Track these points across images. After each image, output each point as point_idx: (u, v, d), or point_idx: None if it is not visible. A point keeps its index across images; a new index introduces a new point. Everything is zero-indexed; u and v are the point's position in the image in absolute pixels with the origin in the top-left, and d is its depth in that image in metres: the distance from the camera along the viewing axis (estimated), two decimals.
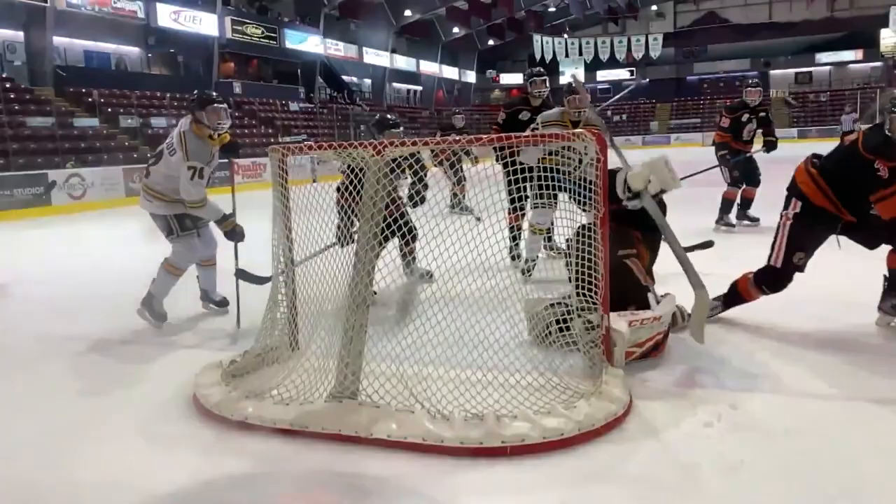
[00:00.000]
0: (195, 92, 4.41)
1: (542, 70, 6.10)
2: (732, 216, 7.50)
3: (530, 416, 2.56)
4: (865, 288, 4.42)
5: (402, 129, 4.98)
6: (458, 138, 3.11)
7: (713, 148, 7.72)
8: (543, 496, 2.24)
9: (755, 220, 7.48)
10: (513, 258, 5.12)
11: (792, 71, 41.80)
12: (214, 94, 4.47)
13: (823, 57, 40.89)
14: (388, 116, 5.23)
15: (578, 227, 3.25)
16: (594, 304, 3.03)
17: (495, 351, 2.97)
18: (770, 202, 7.46)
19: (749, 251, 6.24)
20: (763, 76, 43.79)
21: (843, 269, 5.27)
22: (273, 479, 2.43)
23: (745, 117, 7.37)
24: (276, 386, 2.96)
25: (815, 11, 41.87)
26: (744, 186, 7.44)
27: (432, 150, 3.45)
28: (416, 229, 3.74)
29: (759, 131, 7.51)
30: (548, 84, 5.91)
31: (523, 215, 5.33)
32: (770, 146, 7.51)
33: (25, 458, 2.66)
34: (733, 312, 3.93)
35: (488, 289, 3.10)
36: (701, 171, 7.25)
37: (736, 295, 3.91)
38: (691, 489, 2.24)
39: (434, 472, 2.38)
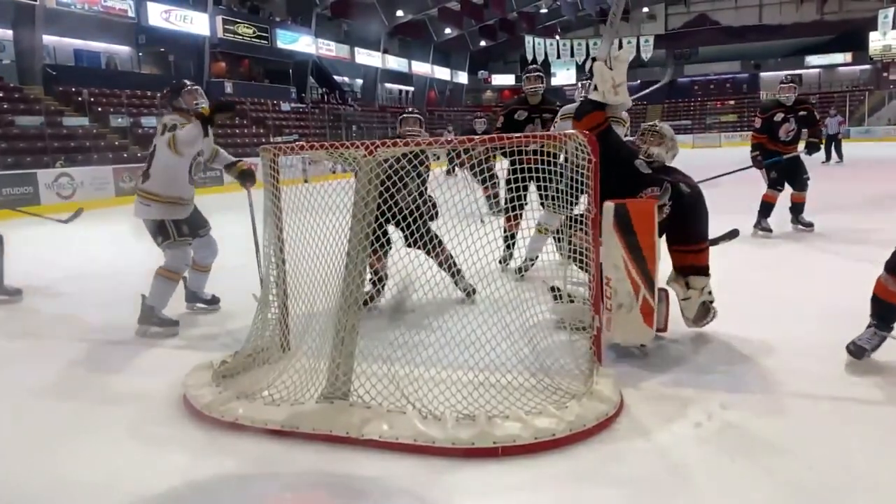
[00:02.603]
0: (172, 83, 4.44)
1: (536, 67, 6.06)
2: (771, 221, 6.97)
3: (522, 416, 2.57)
4: (858, 291, 4.45)
5: (417, 114, 4.98)
6: (449, 139, 3.11)
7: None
8: (535, 496, 2.25)
9: (809, 225, 6.98)
10: (501, 261, 5.10)
11: (782, 73, 41.82)
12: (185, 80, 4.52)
13: (813, 59, 41.17)
14: (409, 109, 5.30)
15: (572, 217, 3.24)
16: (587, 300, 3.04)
17: (487, 352, 2.96)
18: (817, 206, 7.10)
19: (791, 259, 6.05)
20: (753, 78, 44.12)
21: (838, 273, 5.33)
22: (264, 480, 2.42)
23: (778, 117, 6.78)
24: (267, 387, 2.95)
25: (804, 14, 42.22)
26: (791, 191, 6.94)
27: (458, 155, 3.42)
28: (436, 237, 3.70)
29: (805, 131, 6.88)
30: (543, 80, 5.83)
31: (518, 222, 5.31)
32: (811, 147, 6.91)
33: (15, 458, 2.65)
34: (720, 312, 3.91)
35: (480, 290, 3.10)
36: (727, 173, 7.06)
37: (885, 306, 3.20)
38: (682, 489, 2.25)
39: (425, 473, 2.38)
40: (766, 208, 6.98)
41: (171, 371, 3.41)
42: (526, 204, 5.17)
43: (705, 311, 3.65)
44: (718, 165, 7.99)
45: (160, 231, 4.31)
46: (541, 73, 5.88)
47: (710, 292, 3.62)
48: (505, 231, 5.19)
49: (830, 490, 2.21)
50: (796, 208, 7.04)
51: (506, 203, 5.05)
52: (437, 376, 2.94)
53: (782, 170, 6.85)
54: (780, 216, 7.04)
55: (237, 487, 2.39)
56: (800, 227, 7.03)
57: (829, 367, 3.20)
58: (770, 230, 6.92)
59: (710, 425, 2.65)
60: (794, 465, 2.35)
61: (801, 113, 6.79)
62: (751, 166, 6.99)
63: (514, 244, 5.22)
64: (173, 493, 2.34)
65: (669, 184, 3.51)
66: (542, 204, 4.21)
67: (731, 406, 2.81)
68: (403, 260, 3.37)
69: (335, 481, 2.39)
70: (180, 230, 4.33)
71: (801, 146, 6.96)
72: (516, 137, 3.25)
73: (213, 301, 4.79)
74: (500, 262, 5.05)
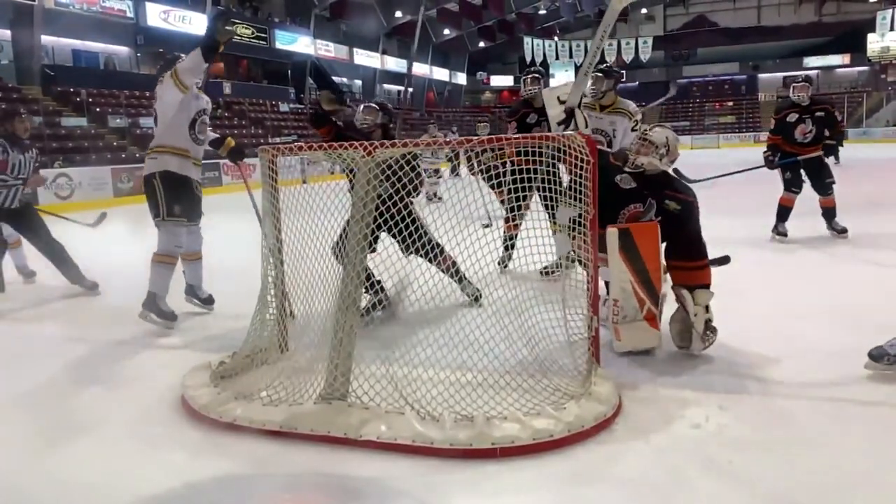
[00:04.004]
0: (161, 63, 4.44)
1: (532, 68, 5.96)
2: (788, 225, 6.65)
3: (520, 417, 2.56)
4: (861, 294, 4.47)
5: (376, 104, 4.66)
6: (449, 140, 3.11)
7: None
8: (533, 497, 2.25)
9: (842, 231, 6.59)
10: (500, 262, 5.09)
11: (780, 75, 42.16)
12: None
13: (811, 61, 41.27)
14: (376, 99, 5.09)
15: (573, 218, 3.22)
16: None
17: (485, 353, 2.97)
18: (819, 208, 6.72)
19: (799, 263, 5.83)
20: (752, 79, 44.20)
21: (842, 276, 5.33)
22: (262, 481, 2.42)
23: (792, 117, 6.47)
24: (265, 387, 2.95)
25: (803, 16, 42.35)
26: (819, 196, 6.62)
27: (457, 156, 3.40)
28: (436, 244, 3.49)
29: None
30: (541, 82, 5.70)
31: (517, 225, 5.29)
32: (828, 150, 6.53)
33: (12, 459, 2.64)
34: (718, 314, 3.89)
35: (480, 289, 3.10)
36: (734, 172, 6.92)
37: None
38: (680, 490, 2.25)
39: (424, 474, 2.38)
40: (781, 212, 6.68)
41: (169, 372, 3.41)
42: (526, 209, 5.13)
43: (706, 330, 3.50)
44: (717, 167, 7.96)
45: (153, 204, 4.30)
46: (538, 75, 5.77)
47: (711, 311, 3.49)
48: (504, 232, 5.19)
49: (829, 491, 2.21)
50: (826, 213, 6.68)
51: (509, 210, 5.03)
52: (436, 377, 2.94)
53: (799, 172, 6.56)
54: (794, 219, 6.77)
55: (235, 488, 2.38)
56: (833, 232, 6.64)
57: (829, 368, 3.20)
58: (785, 234, 6.62)
59: (709, 426, 2.65)
60: (793, 467, 2.35)
61: (819, 114, 6.44)
62: (761, 166, 6.78)
63: (513, 246, 5.21)
64: (171, 494, 2.34)
65: (654, 200, 3.47)
66: (545, 206, 4.18)
67: (729, 407, 2.81)
68: (402, 261, 3.37)
69: (333, 482, 2.39)
70: (171, 209, 4.31)
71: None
72: (515, 138, 3.25)
73: (208, 301, 4.77)
74: (498, 263, 5.05)
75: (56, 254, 5.49)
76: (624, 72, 42.31)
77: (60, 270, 5.51)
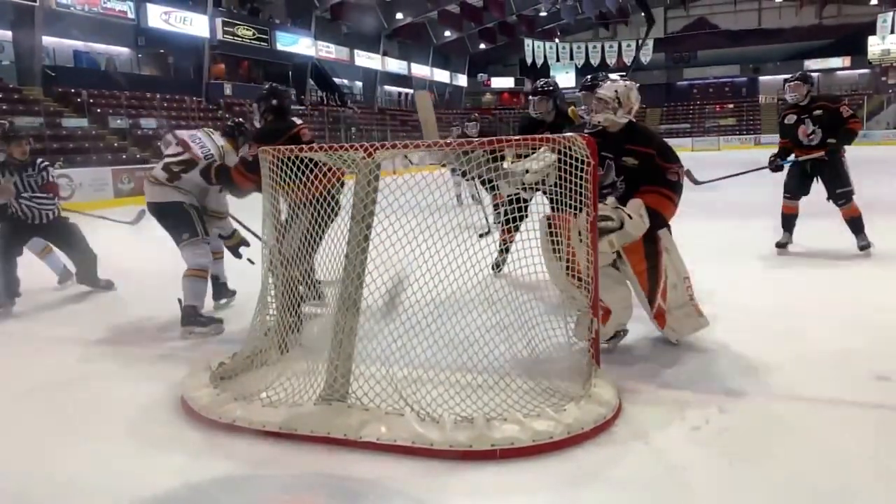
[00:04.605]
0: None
1: (541, 84, 5.55)
2: (792, 235, 6.17)
3: (520, 419, 2.56)
4: (859, 296, 4.46)
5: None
6: (447, 141, 3.10)
7: None
8: (532, 499, 2.25)
9: (863, 247, 5.86)
10: (494, 266, 5.06)
11: (781, 77, 41.90)
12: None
13: (812, 64, 41.15)
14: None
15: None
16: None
17: (485, 354, 2.96)
18: (816, 211, 6.25)
19: (801, 267, 5.61)
20: (752, 82, 44.20)
21: (839, 279, 5.32)
22: (261, 482, 2.42)
23: (790, 119, 6.00)
24: (265, 388, 2.95)
25: (803, 18, 42.35)
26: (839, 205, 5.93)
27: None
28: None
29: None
30: (552, 103, 5.32)
31: (515, 229, 5.22)
32: (831, 151, 5.81)
33: (12, 459, 2.64)
34: (718, 316, 3.92)
35: (478, 292, 3.09)
36: (737, 174, 6.86)
37: None
38: (680, 492, 2.25)
39: (423, 475, 2.38)
40: (784, 220, 6.17)
41: (169, 372, 3.41)
42: (526, 215, 5.07)
43: (695, 324, 3.56)
44: (717, 168, 7.93)
45: (187, 224, 4.27)
46: (545, 95, 5.37)
47: (692, 294, 3.54)
48: (500, 236, 5.17)
49: (828, 493, 2.21)
50: (850, 225, 5.93)
51: (505, 213, 4.99)
52: (436, 378, 2.94)
53: (801, 177, 6.01)
54: (798, 220, 6.31)
55: (235, 489, 2.38)
56: (859, 248, 5.88)
57: (831, 371, 3.20)
58: (783, 246, 6.14)
59: (709, 429, 2.65)
60: (793, 469, 2.35)
61: (816, 112, 5.85)
62: (764, 167, 6.38)
63: (507, 250, 5.18)
64: (171, 495, 2.34)
65: (611, 162, 3.45)
66: (552, 208, 4.16)
67: (729, 410, 2.81)
68: (401, 261, 3.36)
69: (333, 483, 2.39)
70: (206, 229, 4.37)
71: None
72: (515, 139, 3.24)
73: (229, 294, 4.88)
74: (492, 267, 5.02)
75: (87, 262, 5.48)
76: (624, 74, 42.46)
77: (78, 269, 5.53)
